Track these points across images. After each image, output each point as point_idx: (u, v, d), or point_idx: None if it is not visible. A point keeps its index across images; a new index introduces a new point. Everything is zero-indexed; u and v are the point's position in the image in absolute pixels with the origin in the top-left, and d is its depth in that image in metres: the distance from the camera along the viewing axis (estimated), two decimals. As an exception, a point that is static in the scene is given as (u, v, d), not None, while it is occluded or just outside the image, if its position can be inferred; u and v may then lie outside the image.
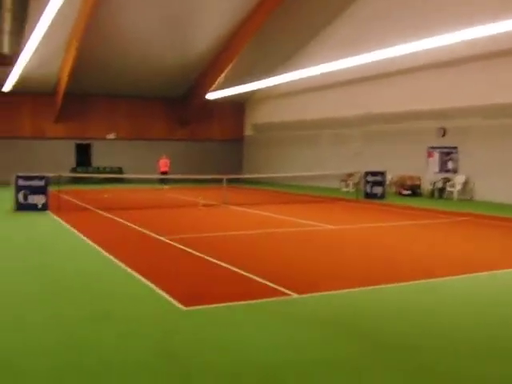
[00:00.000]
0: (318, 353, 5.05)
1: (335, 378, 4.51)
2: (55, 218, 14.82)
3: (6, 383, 4.37)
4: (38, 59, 25.05)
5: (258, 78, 28.15)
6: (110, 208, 17.12)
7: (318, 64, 24.46)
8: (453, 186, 21.16)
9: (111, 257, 9.28)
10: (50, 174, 17.75)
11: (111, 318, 6.04)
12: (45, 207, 16.35)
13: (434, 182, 21.93)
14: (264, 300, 6.72)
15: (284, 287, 7.19)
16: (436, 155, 22.32)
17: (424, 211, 17.09)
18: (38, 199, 16.36)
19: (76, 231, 12.32)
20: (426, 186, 22.57)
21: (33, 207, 16.24)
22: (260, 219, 15.19)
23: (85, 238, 11.29)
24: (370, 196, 21.16)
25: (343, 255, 9.93)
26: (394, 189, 23.65)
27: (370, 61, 21.71)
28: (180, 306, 6.39)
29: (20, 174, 16.59)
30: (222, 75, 28.82)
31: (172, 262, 9.18)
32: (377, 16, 23.95)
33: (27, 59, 23.32)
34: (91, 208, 17.38)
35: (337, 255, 9.90)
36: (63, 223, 13.70)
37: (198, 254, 9.58)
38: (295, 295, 6.89)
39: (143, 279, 7.64)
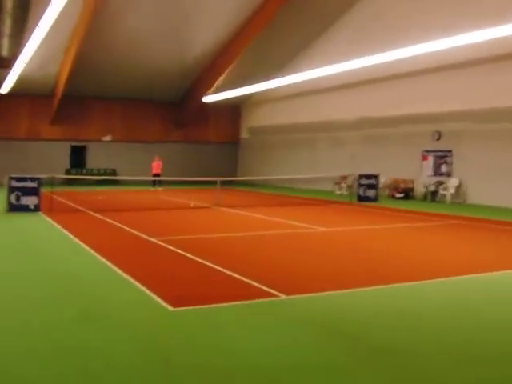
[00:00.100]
0: (306, 355, 5.03)
1: (324, 379, 4.51)
2: (46, 219, 14.79)
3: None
4: (37, 62, 25.10)
5: (255, 82, 28.20)
6: (102, 210, 17.09)
7: (315, 68, 24.53)
8: (446, 189, 21.20)
9: (101, 257, 9.26)
10: (43, 176, 17.72)
11: (103, 320, 5.98)
12: (37, 208, 16.33)
13: (427, 185, 21.98)
14: (253, 301, 6.71)
15: (273, 288, 7.18)
16: (430, 158, 22.37)
17: (416, 214, 17.12)
18: (31, 200, 16.34)
19: (66, 232, 12.29)
20: (419, 189, 22.61)
21: (25, 208, 16.21)
22: (252, 221, 15.19)
23: (73, 238, 11.27)
24: (363, 199, 21.18)
25: (334, 257, 9.93)
26: (387, 192, 23.70)
27: (365, 65, 21.77)
28: (169, 307, 6.37)
29: (13, 175, 16.57)
30: (219, 79, 28.87)
31: (163, 263, 9.16)
32: (372, 21, 24.03)
33: (26, 62, 23.34)
34: (84, 209, 17.35)
35: (328, 257, 9.90)
36: (54, 224, 13.67)
37: (188, 255, 9.57)
38: (283, 296, 6.89)
39: (135, 281, 7.60)
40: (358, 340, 5.46)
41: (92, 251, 9.89)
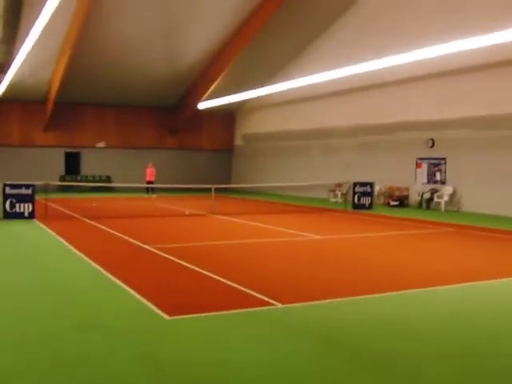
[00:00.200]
0: (302, 364, 5.02)
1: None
2: (41, 226, 14.75)
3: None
4: (29, 68, 25.07)
5: (249, 88, 28.25)
6: (97, 217, 17.04)
7: (308, 75, 24.59)
8: (440, 196, 21.26)
9: (96, 265, 9.22)
10: (38, 183, 17.67)
11: (98, 329, 5.94)
12: (31, 215, 16.27)
13: (422, 193, 22.03)
14: (249, 309, 6.70)
15: (269, 297, 7.17)
16: (424, 166, 22.44)
17: (411, 222, 17.15)
18: (25, 207, 16.29)
19: (60, 239, 12.25)
20: (414, 197, 22.67)
21: (19, 215, 16.15)
22: (247, 229, 15.18)
23: (68, 245, 11.23)
24: (357, 206, 21.21)
25: (330, 265, 9.92)
26: (382, 199, 23.74)
27: (359, 72, 21.85)
28: (165, 315, 6.34)
29: (7, 183, 16.52)
30: (213, 86, 28.91)
31: (158, 271, 9.13)
32: (366, 28, 24.12)
33: (18, 67, 23.29)
34: (78, 216, 17.31)
35: (323, 265, 9.89)
36: (49, 231, 13.63)
37: (184, 263, 9.55)
38: (280, 305, 6.87)
39: (130, 290, 7.58)
40: (355, 349, 5.45)
41: (87, 259, 9.86)
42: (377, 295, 7.51)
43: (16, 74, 24.70)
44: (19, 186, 16.42)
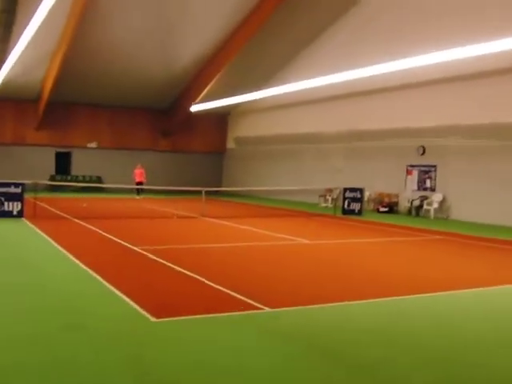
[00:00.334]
0: (288, 370, 5.03)
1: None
2: (29, 225, 14.69)
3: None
4: (23, 66, 25.01)
5: (242, 92, 28.29)
6: (86, 217, 16.99)
7: (301, 80, 24.68)
8: (430, 204, 21.35)
9: (83, 266, 9.20)
10: (27, 181, 17.60)
11: (83, 331, 5.91)
12: (20, 214, 16.21)
13: (412, 200, 22.12)
14: (236, 313, 6.69)
15: (256, 301, 7.17)
16: (415, 173, 22.54)
17: (400, 228, 17.22)
18: (14, 206, 16.22)
19: (49, 238, 12.20)
20: (404, 204, 22.76)
21: (8, 214, 16.07)
22: (237, 232, 15.19)
23: (56, 245, 11.19)
24: (347, 212, 21.26)
25: (318, 270, 9.93)
26: (371, 205, 23.83)
27: (353, 78, 21.97)
28: (151, 317, 6.32)
29: (-4, 181, 16.47)
30: (206, 89, 28.93)
31: (146, 273, 9.10)
32: (360, 34, 24.23)
33: (11, 66, 23.22)
34: (67, 216, 17.25)
35: (311, 270, 9.89)
36: (37, 231, 13.58)
37: (172, 265, 9.54)
38: (267, 309, 6.88)
39: (117, 291, 7.55)
40: (339, 355, 5.47)
41: (74, 259, 9.83)
42: (363, 301, 7.53)
43: (9, 73, 24.62)
44: (8, 185, 16.33)
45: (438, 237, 15.35)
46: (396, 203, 23.13)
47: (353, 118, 25.19)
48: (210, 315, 6.57)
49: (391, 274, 9.70)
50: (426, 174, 22.03)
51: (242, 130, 34.36)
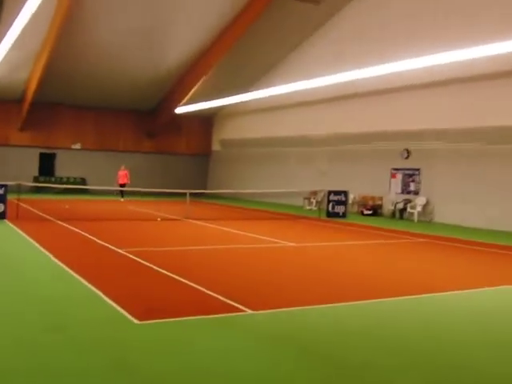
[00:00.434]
0: (273, 371, 5.04)
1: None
2: (12, 226, 14.57)
3: None
4: (8, 67, 24.78)
5: (228, 94, 28.29)
6: (69, 219, 16.89)
7: (287, 83, 24.75)
8: (414, 207, 21.49)
9: (67, 268, 9.14)
10: (10, 183, 17.46)
11: (66, 334, 5.87)
12: (2, 216, 16.06)
13: (396, 203, 22.25)
14: (220, 315, 6.69)
15: (239, 303, 7.17)
16: (399, 176, 22.67)
17: (384, 231, 17.31)
18: (-4, 207, 16.09)
19: (31, 240, 12.11)
20: (388, 207, 22.88)
21: (-10, 215, 15.95)
22: (221, 235, 15.17)
23: (39, 247, 11.10)
24: (332, 215, 21.32)
25: (301, 273, 9.95)
26: (356, 208, 23.94)
27: (338, 81, 22.06)
28: (135, 320, 6.30)
29: (-22, 182, 16.31)
30: (192, 91, 28.89)
31: (129, 275, 9.07)
32: (347, 38, 24.35)
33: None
34: (50, 218, 17.12)
35: (295, 273, 9.91)
36: (20, 232, 13.46)
37: (154, 267, 9.51)
38: (250, 311, 6.89)
39: (101, 294, 7.52)
40: (325, 359, 5.48)
41: (58, 262, 9.76)
42: (349, 303, 7.57)
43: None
44: (-9, 186, 16.21)
45: (421, 239, 15.46)
46: (380, 206, 23.25)
47: (337, 121, 25.29)
48: (194, 317, 6.56)
49: (376, 276, 9.74)
50: (410, 177, 22.17)
51: (228, 132, 34.34)
